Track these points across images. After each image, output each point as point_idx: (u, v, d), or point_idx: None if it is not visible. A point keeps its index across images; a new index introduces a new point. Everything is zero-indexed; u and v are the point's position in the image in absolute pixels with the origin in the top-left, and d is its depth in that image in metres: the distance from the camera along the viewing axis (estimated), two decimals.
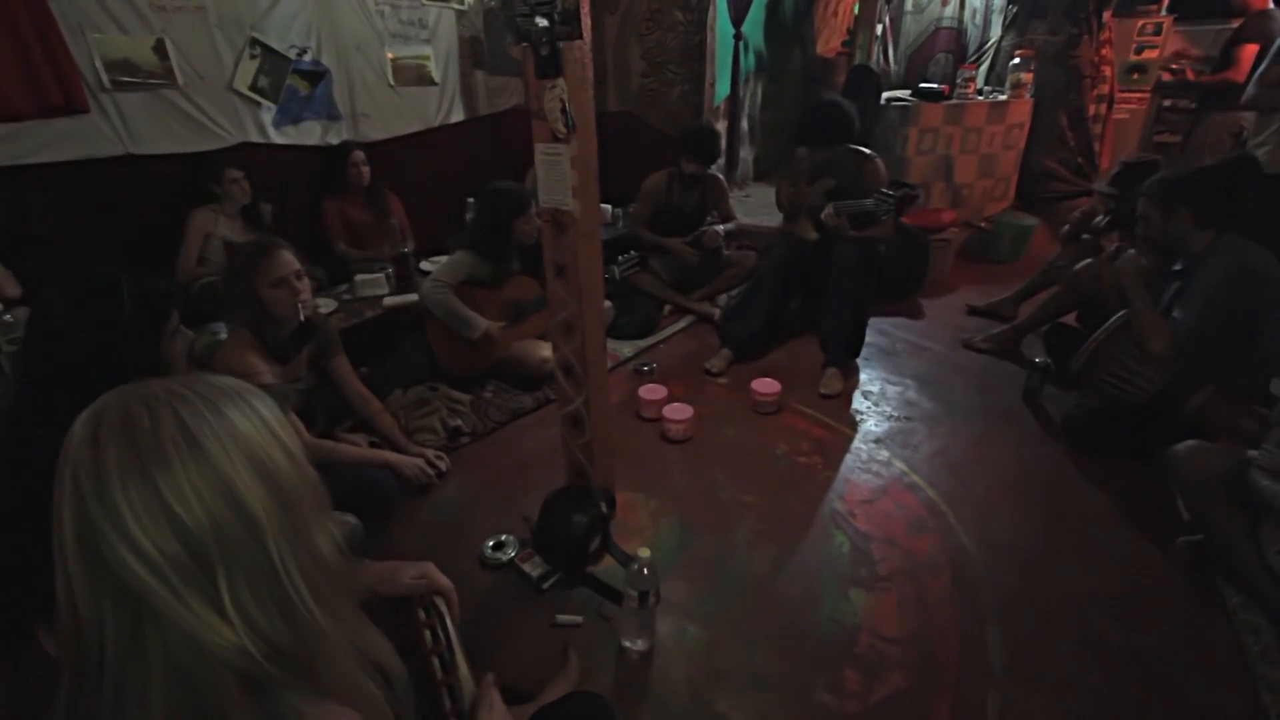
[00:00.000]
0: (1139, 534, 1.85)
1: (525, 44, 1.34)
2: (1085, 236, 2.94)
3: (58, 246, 2.40)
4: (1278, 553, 1.50)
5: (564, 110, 1.35)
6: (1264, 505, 1.52)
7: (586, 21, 1.30)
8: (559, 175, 1.44)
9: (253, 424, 0.56)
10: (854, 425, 2.41)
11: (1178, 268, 2.07)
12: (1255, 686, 1.39)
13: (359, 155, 3.05)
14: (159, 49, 2.50)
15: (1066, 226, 3.06)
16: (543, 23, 1.28)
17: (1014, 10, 4.56)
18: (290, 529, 0.56)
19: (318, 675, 0.58)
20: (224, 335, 2.26)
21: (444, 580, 1.03)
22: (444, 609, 1.01)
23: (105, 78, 2.39)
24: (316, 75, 3.03)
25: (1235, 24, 3.95)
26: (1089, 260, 2.69)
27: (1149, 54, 4.60)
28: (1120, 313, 2.16)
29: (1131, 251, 2.17)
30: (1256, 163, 2.19)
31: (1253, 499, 1.54)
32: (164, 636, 0.51)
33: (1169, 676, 1.44)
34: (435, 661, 0.93)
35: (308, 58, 2.97)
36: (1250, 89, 2.66)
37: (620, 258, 3.07)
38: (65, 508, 0.50)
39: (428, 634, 0.97)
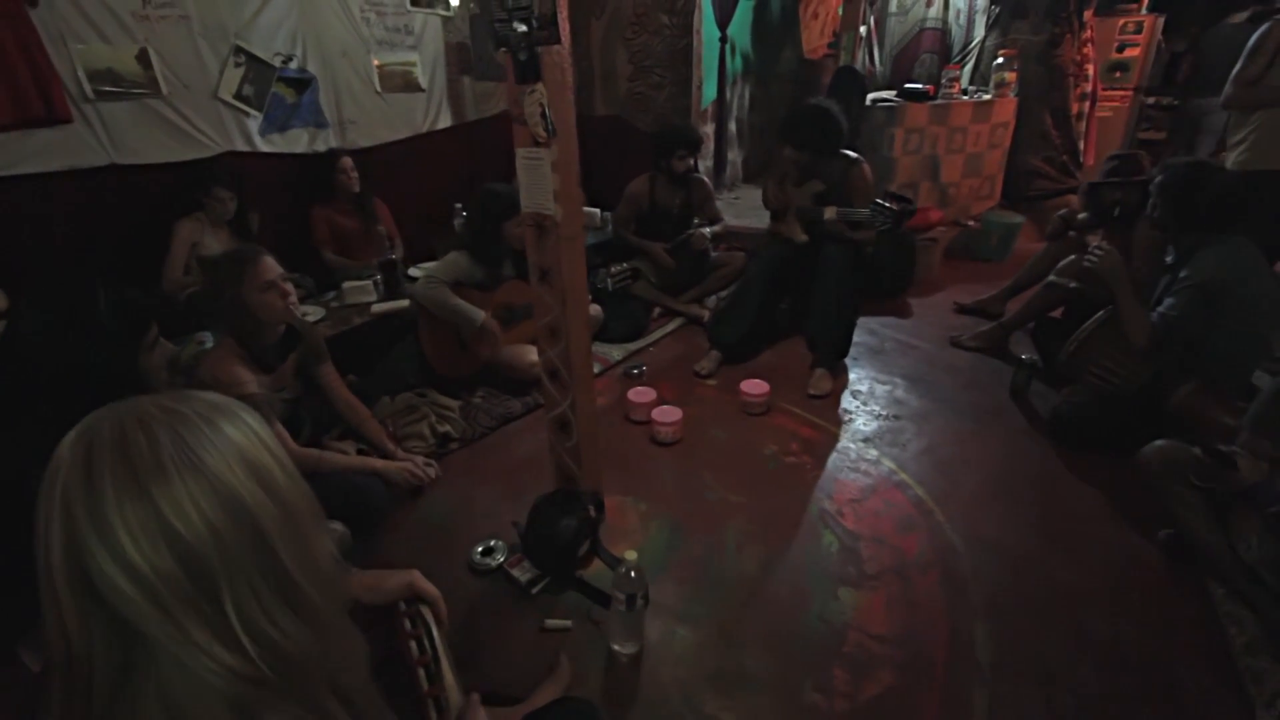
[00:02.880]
0: (1126, 529, 1.86)
1: (505, 49, 1.34)
2: (1071, 233, 2.96)
3: (43, 258, 2.39)
4: (1249, 546, 1.52)
5: (544, 115, 1.36)
6: (1229, 499, 1.55)
7: (565, 26, 1.31)
8: (540, 179, 1.45)
9: (248, 437, 0.56)
10: (842, 425, 2.42)
11: (1170, 260, 2.09)
12: (1240, 677, 1.41)
13: (348, 162, 3.04)
14: (142, 58, 2.49)
15: (1051, 225, 3.08)
16: (521, 28, 1.29)
17: (996, 10, 4.59)
18: (292, 536, 0.55)
19: (310, 696, 0.56)
20: (210, 345, 2.24)
21: (430, 588, 1.01)
22: (430, 619, 0.99)
23: (88, 87, 2.38)
24: (302, 83, 3.02)
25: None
26: (1070, 259, 2.71)
27: (1130, 52, 4.65)
28: (1107, 307, 2.18)
29: (1112, 249, 2.19)
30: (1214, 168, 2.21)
31: (1220, 496, 1.57)
32: (157, 666, 0.49)
33: (1156, 669, 1.45)
34: (421, 673, 0.92)
35: (293, 65, 2.96)
36: (1228, 88, 2.68)
37: (614, 269, 3.07)
38: (54, 531, 0.48)
39: (413, 645, 0.95)
